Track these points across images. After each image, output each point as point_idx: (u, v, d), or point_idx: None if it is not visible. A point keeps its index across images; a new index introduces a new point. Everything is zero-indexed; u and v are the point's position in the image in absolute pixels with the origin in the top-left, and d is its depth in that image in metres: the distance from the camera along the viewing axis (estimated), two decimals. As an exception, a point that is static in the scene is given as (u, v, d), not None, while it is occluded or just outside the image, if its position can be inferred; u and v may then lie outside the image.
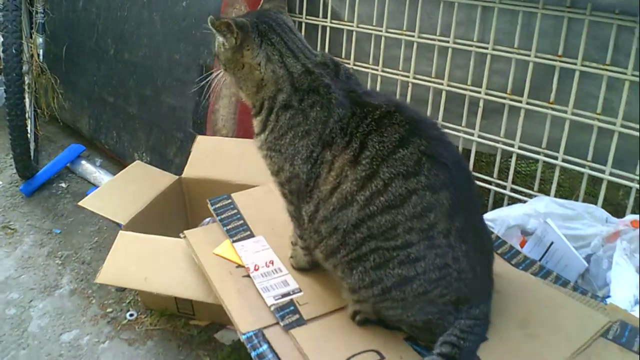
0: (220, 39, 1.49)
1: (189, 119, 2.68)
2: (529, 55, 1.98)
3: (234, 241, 1.80)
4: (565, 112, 1.95)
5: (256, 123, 1.51)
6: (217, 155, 2.45)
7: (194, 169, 2.41)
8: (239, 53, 1.46)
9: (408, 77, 2.30)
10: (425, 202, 1.32)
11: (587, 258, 1.78)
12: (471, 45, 2.11)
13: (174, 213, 2.42)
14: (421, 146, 1.34)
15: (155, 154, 2.86)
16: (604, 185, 1.93)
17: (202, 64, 2.57)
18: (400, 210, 1.32)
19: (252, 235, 1.83)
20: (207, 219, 2.20)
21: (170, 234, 2.01)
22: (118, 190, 2.27)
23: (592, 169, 1.96)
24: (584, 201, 1.96)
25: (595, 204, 1.90)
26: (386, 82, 2.40)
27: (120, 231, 1.99)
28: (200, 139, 2.52)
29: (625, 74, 1.81)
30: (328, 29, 2.54)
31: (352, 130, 1.40)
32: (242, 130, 2.58)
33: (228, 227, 1.88)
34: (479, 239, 1.40)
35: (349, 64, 2.48)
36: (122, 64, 2.96)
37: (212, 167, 2.39)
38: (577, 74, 1.90)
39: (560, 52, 1.92)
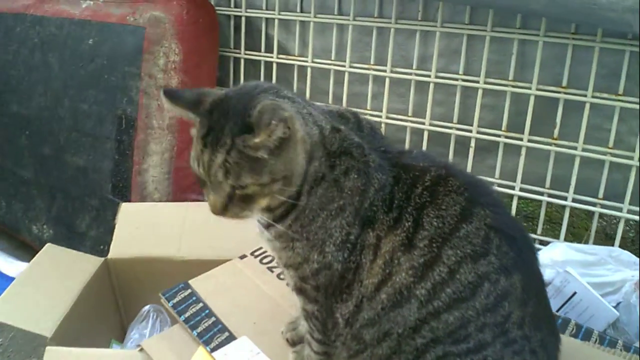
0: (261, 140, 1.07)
1: (105, 182, 2.21)
2: (529, 88, 1.80)
3: (211, 350, 1.39)
4: (575, 147, 1.78)
5: (267, 215, 1.16)
6: (150, 227, 2.01)
7: (122, 246, 1.95)
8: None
9: (380, 116, 2.04)
10: (500, 289, 1.07)
11: (616, 306, 1.62)
12: (457, 79, 1.89)
13: (104, 307, 1.94)
14: (486, 218, 1.09)
15: (60, 225, 2.36)
16: (621, 225, 1.78)
17: (121, 114, 2.13)
18: (470, 303, 1.05)
19: (232, 337, 1.44)
20: (147, 307, 1.81)
21: (102, 338, 1.67)
22: (32, 288, 1.74)
23: (604, 207, 1.80)
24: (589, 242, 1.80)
25: (605, 244, 1.74)
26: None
27: (47, 347, 1.50)
28: (125, 207, 2.07)
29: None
30: (274, 65, 2.23)
31: (400, 203, 1.11)
32: (180, 192, 2.16)
33: (198, 330, 1.46)
34: (550, 320, 1.17)
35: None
36: (8, 117, 2.43)
37: (146, 242, 1.95)
38: (587, 106, 1.73)
39: (564, 84, 1.76)
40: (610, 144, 1.75)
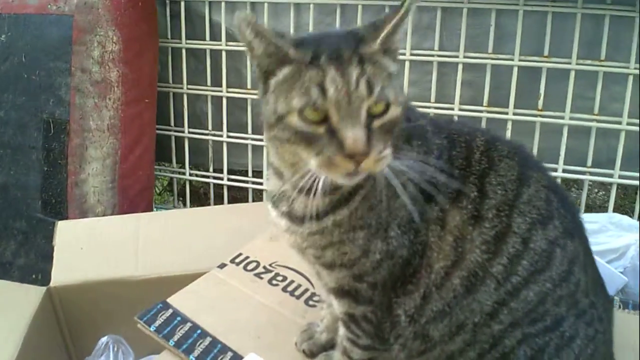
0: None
1: (33, 199, 1.91)
2: (512, 60, 1.75)
3: (217, 373, 1.19)
4: (562, 117, 1.74)
5: (319, 202, 0.99)
6: (97, 245, 1.75)
7: (65, 271, 1.67)
8: None
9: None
10: (568, 254, 1.01)
11: (623, 271, 1.62)
12: (432, 56, 1.81)
13: (49, 345, 1.64)
14: (542, 180, 1.03)
15: (-22, 256, 1.99)
16: (613, 191, 1.78)
17: (48, 118, 1.84)
18: (547, 273, 0.99)
19: (238, 357, 1.25)
20: (103, 339, 1.58)
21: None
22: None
23: (593, 174, 1.79)
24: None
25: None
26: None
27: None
28: (63, 226, 1.79)
29: (627, 68, 1.67)
30: (223, 54, 2.03)
31: (461, 172, 1.00)
32: (128, 203, 1.90)
33: (195, 354, 1.25)
34: (602, 282, 1.12)
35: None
36: None
37: (94, 264, 1.69)
38: (572, 73, 1.70)
39: (546, 53, 1.72)
40: (596, 110, 1.73)
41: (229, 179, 2.15)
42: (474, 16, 1.78)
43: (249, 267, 1.60)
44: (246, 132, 2.09)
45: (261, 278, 1.56)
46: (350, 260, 1.00)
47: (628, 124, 1.71)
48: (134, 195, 1.90)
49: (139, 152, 1.90)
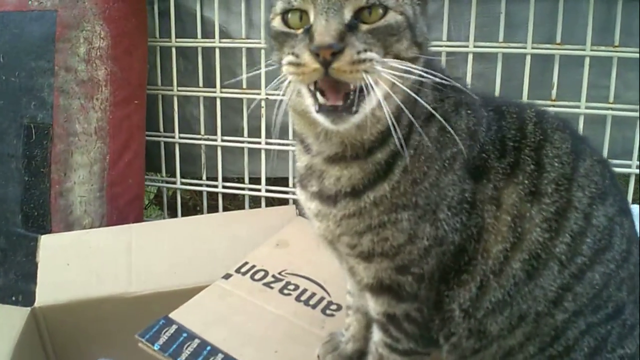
0: None
1: (13, 213, 1.78)
2: (524, 48, 1.67)
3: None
4: (578, 106, 1.68)
5: (352, 172, 0.91)
6: (86, 260, 1.65)
7: (51, 290, 1.57)
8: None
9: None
10: (626, 232, 0.96)
11: None
12: (441, 46, 1.73)
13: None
14: (594, 155, 0.98)
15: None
16: (632, 180, 1.72)
17: (29, 123, 1.71)
18: (610, 253, 0.93)
19: (257, 375, 1.14)
20: None
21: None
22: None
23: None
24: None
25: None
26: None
27: None
28: (46, 240, 1.68)
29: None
30: (217, 51, 1.93)
31: (515, 144, 0.93)
32: (117, 213, 1.77)
33: (210, 373, 1.14)
34: None
35: (258, 93, 1.91)
36: None
37: (82, 281, 1.58)
38: (587, 60, 1.64)
39: (558, 40, 1.66)
40: (611, 99, 1.68)
41: (224, 187, 2.04)
42: (483, 4, 1.71)
43: (257, 277, 1.49)
44: (242, 136, 1.99)
45: (271, 288, 1.45)
46: (393, 247, 0.90)
47: (644, 110, 1.65)
48: (124, 205, 1.77)
49: (129, 157, 1.78)
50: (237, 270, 1.52)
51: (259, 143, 1.96)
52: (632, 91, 1.71)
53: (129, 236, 1.70)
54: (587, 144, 1.00)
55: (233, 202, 2.23)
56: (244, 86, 1.95)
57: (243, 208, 2.06)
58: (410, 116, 0.83)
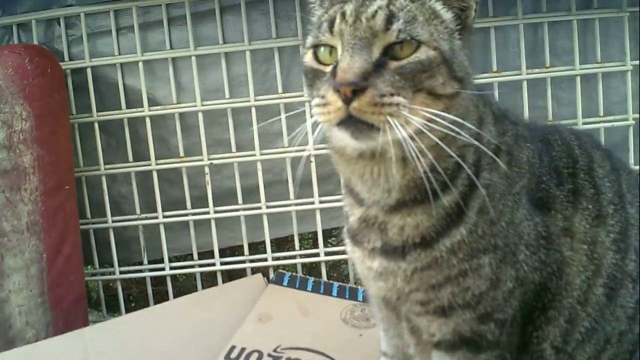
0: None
1: None
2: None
3: None
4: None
5: (418, 219, 0.87)
6: None
7: None
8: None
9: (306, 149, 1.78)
10: None
11: None
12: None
13: None
14: (624, 167, 1.06)
15: None
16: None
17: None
18: None
19: None
20: None
21: None
22: None
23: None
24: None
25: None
26: (268, 167, 1.83)
27: None
28: None
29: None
30: (148, 121, 1.80)
31: (569, 170, 0.96)
32: (63, 320, 1.53)
33: None
34: None
35: (201, 159, 1.81)
36: None
37: None
38: (524, 84, 1.76)
39: (495, 68, 1.77)
40: (550, 117, 1.80)
41: (171, 268, 1.87)
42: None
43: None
44: (185, 208, 1.85)
45: (272, 365, 1.34)
46: (475, 296, 0.87)
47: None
48: (69, 308, 1.55)
49: (67, 252, 1.58)
50: (227, 357, 1.39)
51: (207, 213, 1.84)
52: (565, 107, 1.84)
53: (83, 343, 1.48)
54: (613, 155, 1.06)
55: (185, 283, 2.06)
56: (182, 154, 1.84)
57: (194, 290, 1.90)
58: (455, 156, 0.82)
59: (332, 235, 2.07)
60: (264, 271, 1.89)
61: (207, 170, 1.81)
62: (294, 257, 1.89)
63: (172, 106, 1.81)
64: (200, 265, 1.88)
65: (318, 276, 1.88)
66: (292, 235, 1.97)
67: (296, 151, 1.81)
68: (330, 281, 1.77)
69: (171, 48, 1.80)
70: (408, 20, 0.79)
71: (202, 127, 1.80)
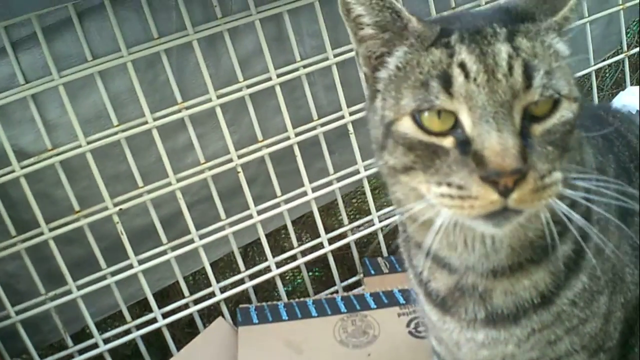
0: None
1: None
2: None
3: None
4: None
5: (537, 278, 0.77)
6: None
7: None
8: None
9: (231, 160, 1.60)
10: None
11: None
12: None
13: None
14: None
15: None
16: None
17: None
18: None
19: None
20: None
21: None
22: None
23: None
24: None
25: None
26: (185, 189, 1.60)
27: None
28: None
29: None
30: (23, 182, 1.44)
31: (635, 163, 0.93)
32: None
33: None
34: None
35: (104, 209, 1.51)
36: None
37: None
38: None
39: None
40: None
41: (105, 340, 1.59)
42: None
43: None
44: (95, 267, 1.56)
45: None
46: (592, 337, 0.82)
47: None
48: None
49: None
50: None
51: (130, 267, 1.57)
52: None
53: None
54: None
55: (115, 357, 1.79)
56: (77, 207, 1.51)
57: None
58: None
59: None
60: (215, 308, 1.70)
61: (116, 219, 1.54)
62: (242, 281, 1.71)
63: (49, 153, 1.47)
64: (138, 327, 1.62)
65: (272, 293, 1.73)
66: (228, 256, 1.80)
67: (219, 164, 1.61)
68: (302, 299, 1.65)
69: (26, 81, 1.42)
70: (547, 71, 0.65)
71: (94, 168, 1.50)
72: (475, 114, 0.63)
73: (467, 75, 0.64)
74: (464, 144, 0.63)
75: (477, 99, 0.63)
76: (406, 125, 0.67)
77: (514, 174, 0.60)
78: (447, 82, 0.64)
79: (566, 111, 0.66)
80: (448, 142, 0.65)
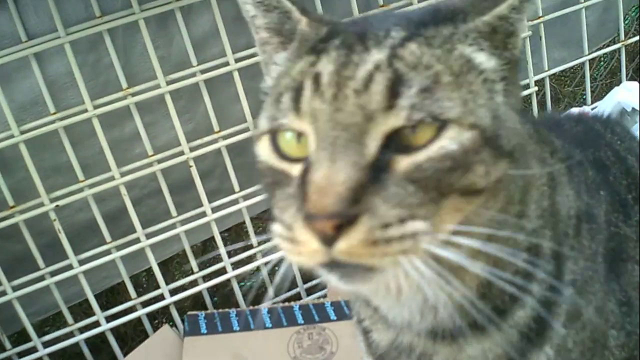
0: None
1: None
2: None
3: None
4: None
5: (485, 347, 0.63)
6: None
7: None
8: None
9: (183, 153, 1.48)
10: None
11: None
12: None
13: None
14: None
15: None
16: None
17: None
18: None
19: None
20: None
21: None
22: None
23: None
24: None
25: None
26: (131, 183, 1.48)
27: None
28: None
29: None
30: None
31: (634, 194, 0.82)
32: None
33: None
34: None
35: (39, 205, 1.39)
36: None
37: None
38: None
39: None
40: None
41: (45, 344, 1.47)
42: None
43: None
44: (33, 265, 1.45)
45: None
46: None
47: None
48: None
49: None
50: None
51: (70, 268, 1.45)
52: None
53: None
54: None
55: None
56: (11, 203, 1.40)
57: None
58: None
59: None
60: (163, 312, 1.60)
61: (53, 215, 1.42)
62: (195, 282, 1.60)
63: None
64: (82, 330, 1.52)
65: (228, 299, 1.63)
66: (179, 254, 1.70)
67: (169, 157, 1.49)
68: (254, 307, 1.54)
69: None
70: (426, 87, 0.51)
71: (28, 160, 1.38)
72: (318, 136, 0.52)
73: (316, 89, 0.52)
74: (304, 176, 0.53)
75: (320, 118, 0.52)
76: (261, 147, 0.58)
77: (332, 218, 0.48)
78: (297, 97, 0.54)
79: (450, 141, 0.51)
80: (296, 169, 0.54)
